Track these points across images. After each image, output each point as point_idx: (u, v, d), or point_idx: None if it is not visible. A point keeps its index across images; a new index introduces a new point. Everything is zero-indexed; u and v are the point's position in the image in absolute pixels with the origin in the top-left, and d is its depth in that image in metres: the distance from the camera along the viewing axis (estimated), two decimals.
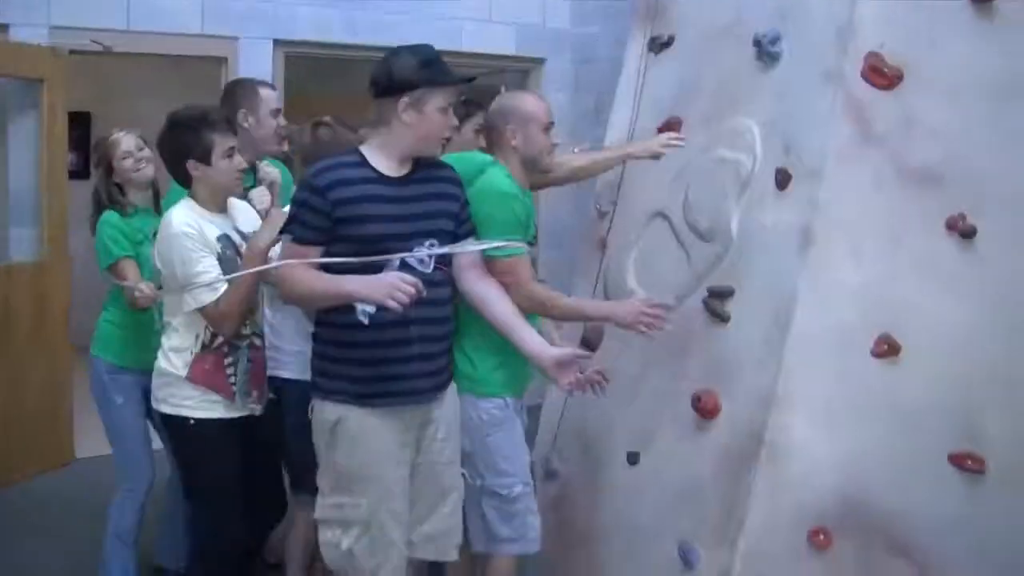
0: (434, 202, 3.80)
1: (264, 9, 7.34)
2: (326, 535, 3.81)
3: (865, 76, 4.33)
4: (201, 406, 4.07)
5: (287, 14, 7.43)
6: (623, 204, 5.16)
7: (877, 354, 4.22)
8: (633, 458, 4.79)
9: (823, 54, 4.47)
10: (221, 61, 7.27)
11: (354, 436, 3.73)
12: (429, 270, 3.73)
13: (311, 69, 8.47)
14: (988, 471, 4.21)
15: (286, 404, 4.48)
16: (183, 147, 4.01)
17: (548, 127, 4.27)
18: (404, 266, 3.65)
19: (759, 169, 4.52)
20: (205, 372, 4.06)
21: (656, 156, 4.62)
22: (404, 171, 3.77)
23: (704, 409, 4.43)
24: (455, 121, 3.85)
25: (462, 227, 3.89)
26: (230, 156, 4.06)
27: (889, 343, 4.22)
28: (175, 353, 4.07)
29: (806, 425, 4.20)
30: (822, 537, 4.19)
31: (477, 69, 9.19)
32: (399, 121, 3.69)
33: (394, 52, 3.74)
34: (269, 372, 4.39)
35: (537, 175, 4.43)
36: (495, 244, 3.90)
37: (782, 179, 4.36)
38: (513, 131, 4.17)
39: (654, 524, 4.54)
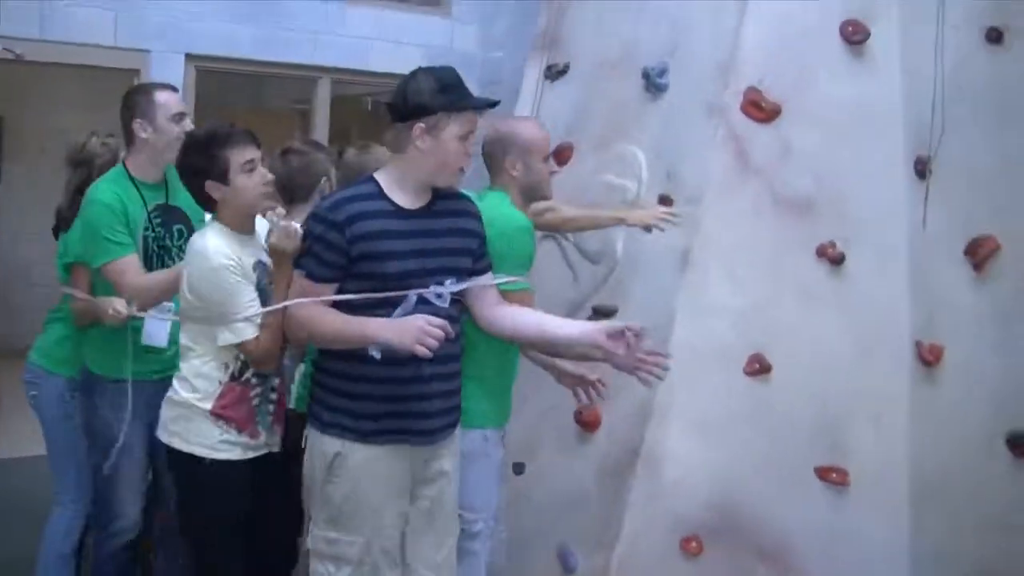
0: (453, 238, 3.55)
1: (177, 23, 7.39)
2: (317, 568, 3.57)
3: (744, 109, 4.61)
4: (220, 447, 3.66)
5: (199, 29, 7.49)
6: None
7: (748, 372, 4.48)
8: (519, 468, 4.99)
9: (706, 87, 4.75)
10: (134, 73, 7.31)
11: (354, 473, 3.47)
12: (446, 305, 3.48)
13: (222, 83, 8.54)
14: (851, 482, 4.46)
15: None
16: (198, 170, 3.65)
17: (547, 156, 4.06)
18: (421, 301, 3.42)
19: (644, 194, 4.76)
20: (230, 406, 3.65)
21: (648, 228, 4.27)
22: (422, 203, 3.50)
23: (585, 422, 4.65)
24: (472, 149, 3.53)
25: (479, 263, 3.63)
26: (250, 170, 3.65)
27: (760, 362, 4.48)
28: (199, 381, 3.66)
29: (681, 438, 4.43)
30: (694, 544, 4.42)
31: (385, 89, 9.36)
32: (415, 148, 3.41)
33: (412, 74, 3.47)
34: None
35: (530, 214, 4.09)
36: (508, 279, 3.69)
37: (664, 204, 4.59)
38: (513, 160, 3.93)
39: (537, 530, 4.74)
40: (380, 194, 3.45)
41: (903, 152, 4.47)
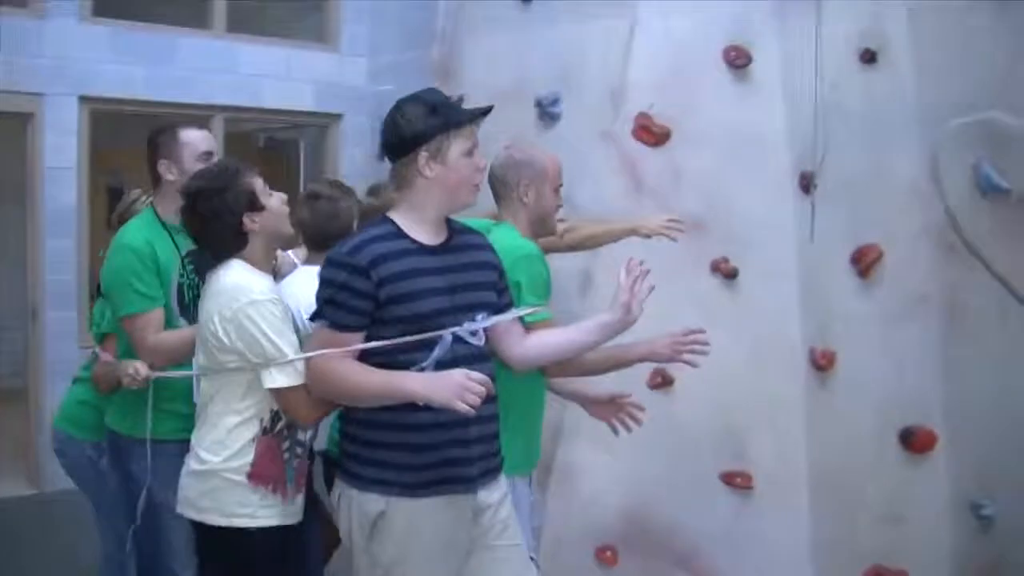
0: (476, 272, 3.33)
1: (69, 65, 7.38)
2: None
3: (636, 135, 4.83)
4: (262, 514, 3.29)
5: (92, 71, 7.49)
6: None
7: (652, 386, 4.67)
8: None
9: (598, 115, 4.95)
10: (27, 117, 7.30)
11: (402, 532, 3.16)
12: (481, 343, 3.23)
13: (117, 125, 8.51)
14: (754, 485, 4.66)
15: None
16: (231, 209, 3.29)
17: (559, 187, 3.86)
18: (455, 340, 3.16)
19: None
20: (262, 463, 3.27)
21: (647, 235, 4.25)
22: (441, 239, 3.27)
23: None
24: (483, 161, 3.33)
25: (502, 297, 3.41)
26: (269, 193, 3.41)
27: (663, 375, 4.68)
28: (231, 442, 3.28)
29: (591, 452, 4.61)
30: (609, 554, 4.59)
31: (276, 125, 9.43)
32: (423, 179, 3.19)
33: (396, 107, 3.25)
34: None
35: (544, 238, 3.95)
36: (531, 310, 3.48)
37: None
38: (527, 187, 3.74)
39: None
40: (399, 233, 3.19)
41: (788, 169, 4.69)
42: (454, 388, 2.96)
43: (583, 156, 4.89)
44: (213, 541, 3.32)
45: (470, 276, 3.28)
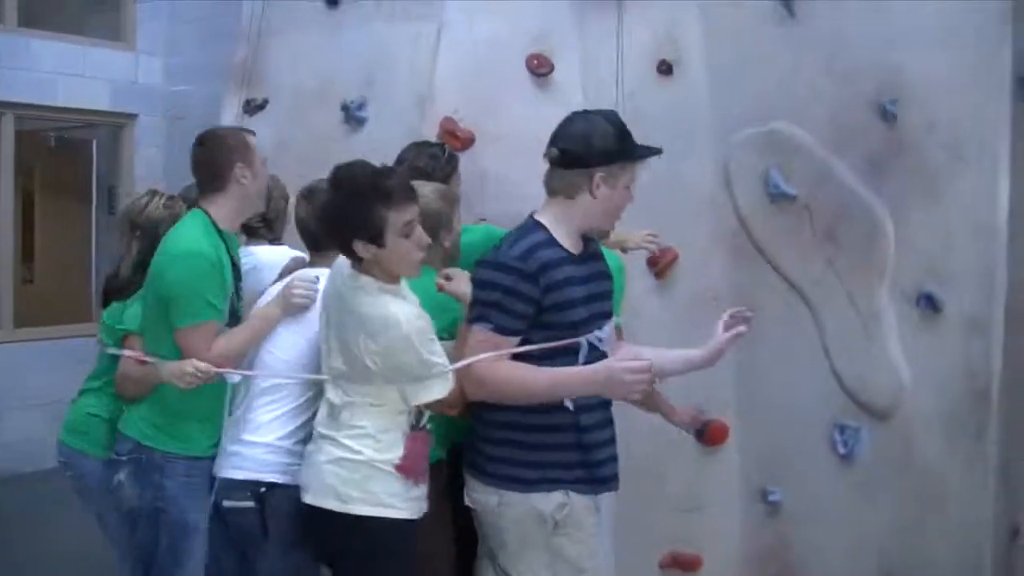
0: (604, 282, 3.43)
1: None
2: None
3: (442, 139, 4.92)
4: (411, 505, 3.31)
5: None
6: None
7: None
8: None
9: (405, 119, 5.02)
10: None
11: (579, 524, 3.31)
12: (608, 349, 3.31)
13: None
14: None
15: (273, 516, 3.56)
16: (352, 224, 3.17)
17: None
18: (590, 348, 3.25)
19: None
20: (411, 457, 3.29)
21: (631, 248, 4.42)
22: (581, 247, 3.35)
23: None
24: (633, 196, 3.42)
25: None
26: (408, 233, 3.21)
27: None
28: (385, 435, 3.27)
29: None
30: None
31: (69, 124, 9.18)
32: (587, 195, 3.27)
33: (586, 119, 3.34)
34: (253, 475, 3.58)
35: None
36: (619, 317, 3.60)
37: None
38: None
39: None
40: (553, 241, 3.27)
41: None
42: (626, 384, 3.13)
43: (389, 160, 4.94)
44: (351, 531, 3.27)
45: (600, 286, 3.38)
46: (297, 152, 5.37)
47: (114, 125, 8.84)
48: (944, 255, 4.29)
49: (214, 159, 3.78)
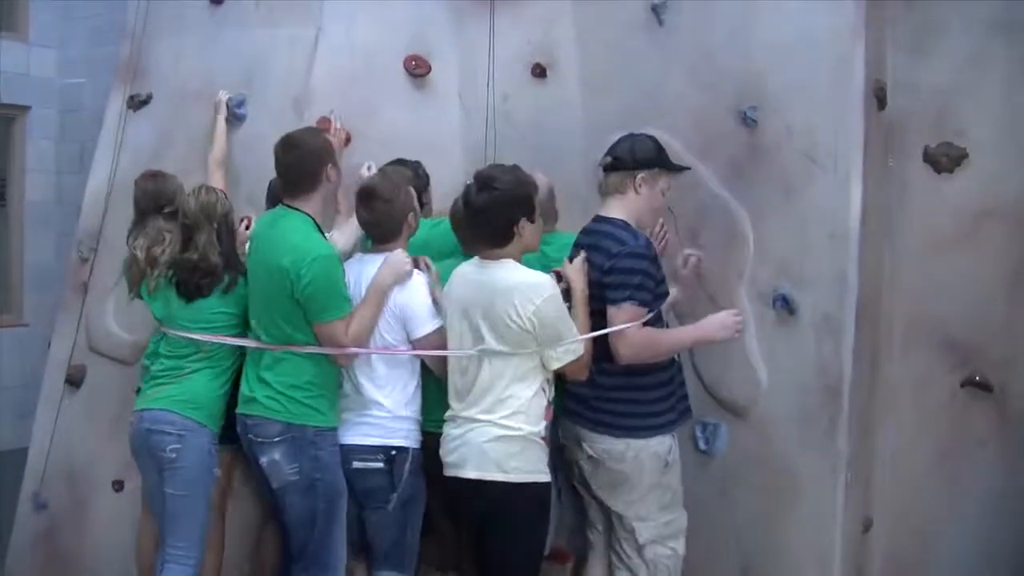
0: None
1: None
2: (660, 550, 4.14)
3: None
4: (546, 470, 4.00)
5: None
6: (104, 250, 5.47)
7: None
8: (118, 486, 5.19)
9: (282, 118, 5.08)
10: None
11: (677, 459, 4.18)
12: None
13: None
14: None
15: (399, 474, 4.21)
16: (520, 207, 3.92)
17: None
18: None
19: None
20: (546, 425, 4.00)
21: None
22: None
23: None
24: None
25: None
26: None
27: None
28: (527, 417, 3.89)
29: None
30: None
31: None
32: (634, 191, 4.14)
33: (632, 136, 4.21)
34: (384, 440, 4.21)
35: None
36: None
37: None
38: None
39: None
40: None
41: (462, 174, 4.88)
42: (731, 326, 4.12)
43: (267, 158, 4.98)
44: (510, 495, 3.88)
45: None
46: (179, 147, 5.41)
47: (6, 117, 8.72)
48: (799, 258, 4.44)
49: (305, 162, 4.21)
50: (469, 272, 4.01)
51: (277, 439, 4.17)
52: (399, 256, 4.19)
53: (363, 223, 4.32)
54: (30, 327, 8.59)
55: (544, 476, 3.94)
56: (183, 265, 4.39)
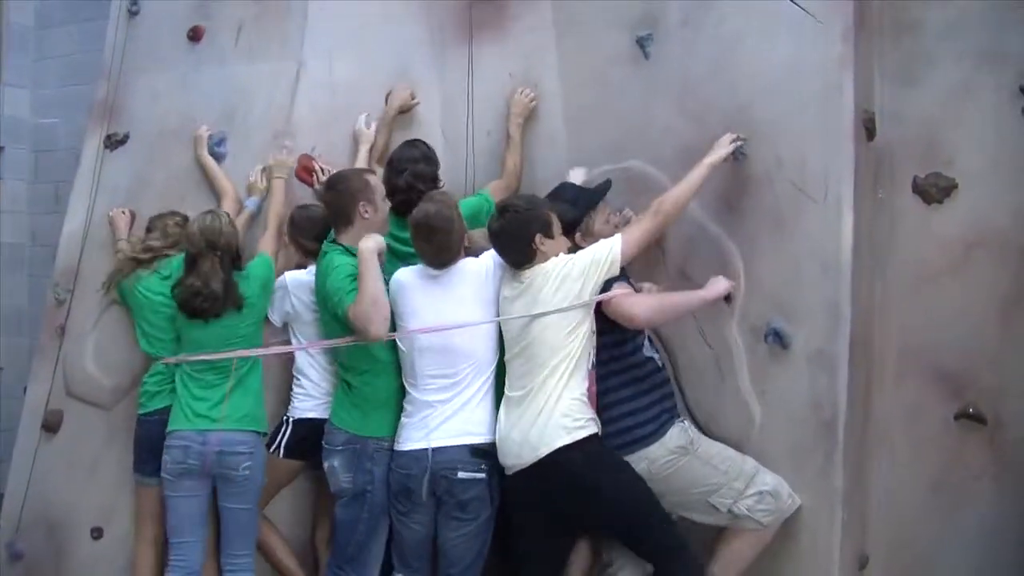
0: None
1: None
2: (744, 503, 4.21)
3: (299, 175, 4.97)
4: None
5: None
6: (80, 292, 5.40)
7: None
8: (97, 533, 5.06)
9: (264, 155, 5.03)
10: None
11: (697, 435, 4.33)
12: None
13: None
14: None
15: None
16: (534, 224, 4.22)
17: None
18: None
19: None
20: None
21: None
22: None
23: None
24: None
25: None
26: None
27: None
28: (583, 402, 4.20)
29: None
30: None
31: None
32: (592, 236, 4.47)
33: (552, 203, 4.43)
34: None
35: None
36: None
37: None
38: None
39: None
40: None
41: None
42: (727, 284, 4.31)
43: (246, 195, 4.97)
44: (623, 472, 4.17)
45: None
46: (157, 187, 5.36)
47: None
48: (792, 291, 4.39)
49: (341, 201, 4.51)
50: (512, 275, 4.34)
51: (340, 447, 4.46)
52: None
53: (422, 254, 4.41)
54: (4, 371, 8.44)
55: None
56: (186, 290, 4.52)
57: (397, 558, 4.47)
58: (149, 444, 4.78)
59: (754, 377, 4.44)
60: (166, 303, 4.75)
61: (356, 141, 5.11)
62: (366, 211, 4.51)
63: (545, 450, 4.08)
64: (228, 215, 4.69)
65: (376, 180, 4.63)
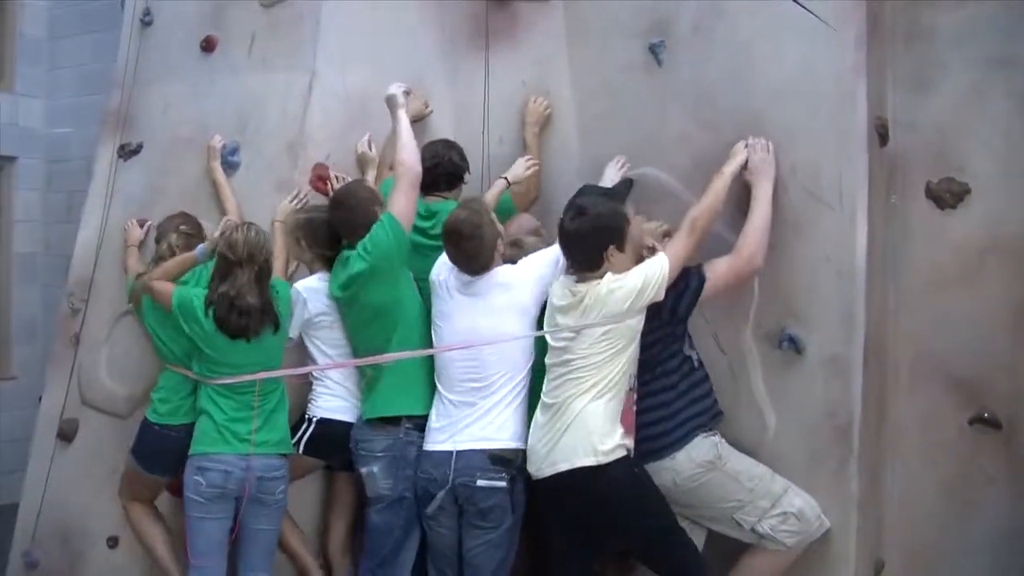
0: None
1: None
2: (768, 522, 4.20)
3: (313, 184, 4.97)
4: None
5: None
6: (95, 301, 5.42)
7: None
8: (113, 542, 5.07)
9: (277, 165, 5.05)
10: None
11: (727, 451, 4.29)
12: None
13: None
14: None
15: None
16: (611, 234, 4.11)
17: None
18: None
19: None
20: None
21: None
22: None
23: (174, 488, 4.84)
24: None
25: None
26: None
27: None
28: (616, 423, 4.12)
29: None
30: None
31: None
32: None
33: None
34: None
35: None
36: None
37: None
38: None
39: None
40: None
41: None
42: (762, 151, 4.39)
43: (261, 204, 4.98)
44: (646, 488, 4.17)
45: None
46: (171, 196, 5.36)
47: None
48: (806, 297, 4.39)
49: (355, 214, 4.55)
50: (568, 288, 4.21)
51: (380, 454, 4.48)
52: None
53: (454, 260, 4.41)
54: (18, 380, 8.48)
55: None
56: (221, 300, 4.44)
57: (430, 563, 4.49)
58: (165, 454, 4.80)
59: (768, 383, 4.44)
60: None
61: (361, 166, 5.12)
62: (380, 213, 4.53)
63: (566, 465, 4.05)
64: (266, 233, 4.64)
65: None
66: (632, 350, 4.11)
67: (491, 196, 4.78)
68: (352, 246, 4.55)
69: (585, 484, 4.04)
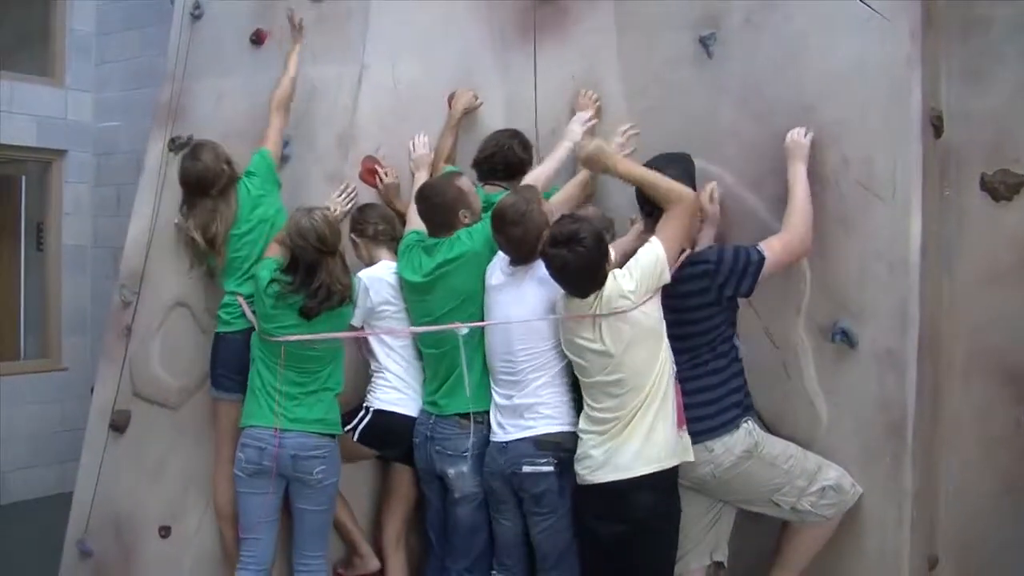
0: None
1: None
2: (807, 499, 4.19)
3: (363, 177, 4.98)
4: None
5: None
6: (146, 293, 5.46)
7: None
8: (165, 532, 5.12)
9: (327, 157, 5.07)
10: None
11: (762, 436, 4.23)
12: None
13: None
14: None
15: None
16: (602, 258, 4.05)
17: None
18: None
19: None
20: None
21: None
22: None
23: None
24: None
25: None
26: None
27: None
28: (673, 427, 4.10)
29: None
30: None
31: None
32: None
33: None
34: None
35: None
36: None
37: None
38: None
39: None
40: None
41: None
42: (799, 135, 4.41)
43: (311, 198, 4.99)
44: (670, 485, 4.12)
45: None
46: None
47: (42, 161, 8.74)
48: (859, 291, 4.35)
49: (441, 209, 4.59)
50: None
51: (468, 452, 4.48)
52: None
53: (500, 245, 4.43)
54: (68, 371, 8.56)
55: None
56: (320, 290, 4.48)
57: (495, 556, 4.50)
58: (229, 360, 4.86)
59: (821, 377, 4.40)
60: None
61: (414, 169, 5.09)
62: (465, 217, 4.59)
63: (625, 475, 3.99)
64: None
65: (467, 183, 4.68)
66: (665, 344, 4.06)
67: (551, 166, 4.75)
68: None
69: (629, 493, 4.00)
